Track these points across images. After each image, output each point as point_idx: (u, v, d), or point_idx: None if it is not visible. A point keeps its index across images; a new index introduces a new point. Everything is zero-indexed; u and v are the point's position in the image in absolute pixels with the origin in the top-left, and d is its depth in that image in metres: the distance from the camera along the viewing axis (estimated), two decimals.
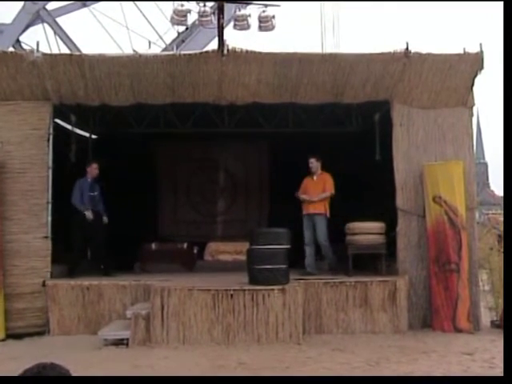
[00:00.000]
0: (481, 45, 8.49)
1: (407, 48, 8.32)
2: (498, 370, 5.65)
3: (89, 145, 11.42)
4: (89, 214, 9.33)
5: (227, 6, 10.13)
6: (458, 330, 8.09)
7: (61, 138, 9.29)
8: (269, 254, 7.81)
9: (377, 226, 9.00)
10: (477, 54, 8.47)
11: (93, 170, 9.65)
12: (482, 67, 8.54)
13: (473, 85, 8.78)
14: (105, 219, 9.67)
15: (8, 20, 19.70)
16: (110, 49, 20.97)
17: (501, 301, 7.92)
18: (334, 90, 8.77)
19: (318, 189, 9.37)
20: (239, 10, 11.72)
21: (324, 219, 9.27)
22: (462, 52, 8.51)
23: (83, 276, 8.97)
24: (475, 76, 8.64)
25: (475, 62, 8.52)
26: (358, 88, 8.74)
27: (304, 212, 9.40)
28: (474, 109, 9.04)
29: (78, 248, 9.43)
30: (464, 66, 8.59)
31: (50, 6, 20.02)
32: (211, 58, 8.36)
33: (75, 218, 9.35)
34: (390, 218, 8.84)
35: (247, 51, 8.28)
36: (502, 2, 6.33)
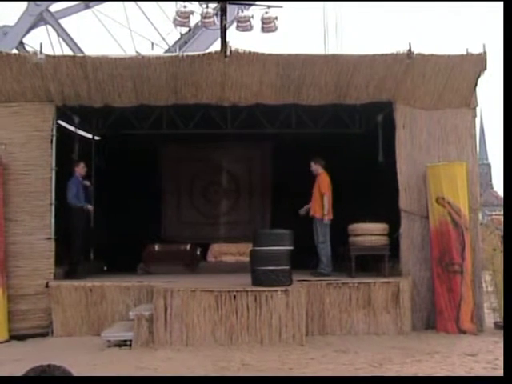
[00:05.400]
0: (484, 45, 8.49)
1: (410, 49, 8.31)
2: (502, 372, 5.63)
3: (92, 146, 11.44)
4: (90, 207, 9.57)
5: (230, 8, 10.11)
6: (462, 332, 8.08)
7: (64, 140, 9.30)
8: (272, 255, 7.80)
9: (380, 227, 8.99)
10: (480, 54, 8.47)
11: (81, 169, 9.65)
12: (485, 68, 8.53)
13: (476, 85, 8.78)
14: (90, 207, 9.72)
15: (11, 22, 19.78)
16: (112, 50, 21.09)
17: None
18: (337, 91, 8.77)
19: (316, 191, 9.37)
20: (242, 12, 11.70)
21: (319, 222, 9.23)
22: (465, 53, 8.51)
23: (88, 276, 8.98)
24: (478, 77, 8.63)
25: (478, 62, 8.51)
26: (360, 89, 8.73)
27: None
28: (478, 109, 9.05)
29: (79, 247, 9.40)
30: (467, 66, 8.58)
31: (53, 7, 20.09)
32: (214, 60, 8.36)
33: (75, 218, 9.33)
34: (393, 219, 8.83)
35: (250, 52, 8.28)
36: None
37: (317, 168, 9.48)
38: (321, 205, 9.19)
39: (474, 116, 9.02)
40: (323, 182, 9.31)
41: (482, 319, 8.47)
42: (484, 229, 9.69)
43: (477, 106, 8.99)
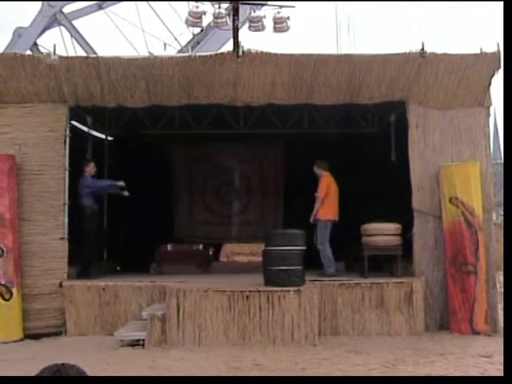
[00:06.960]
0: (498, 44, 8.41)
1: (423, 48, 8.26)
2: None
3: (105, 146, 11.49)
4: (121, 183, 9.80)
5: (242, 8, 10.12)
6: (476, 332, 8.02)
7: (77, 140, 9.35)
8: (284, 255, 7.80)
9: (392, 227, 8.95)
10: (494, 53, 8.39)
11: (91, 168, 9.71)
12: (499, 67, 8.45)
13: (490, 85, 8.71)
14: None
15: (26, 23, 19.94)
16: (125, 51, 21.14)
17: None
18: (350, 90, 8.75)
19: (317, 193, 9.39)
20: (254, 12, 11.71)
21: (320, 224, 9.23)
22: (478, 52, 8.44)
23: (101, 276, 9.03)
24: (492, 76, 8.56)
25: (492, 61, 8.44)
26: (373, 89, 8.70)
27: None
28: (491, 109, 8.98)
29: (91, 248, 9.45)
30: (481, 65, 8.52)
31: (67, 8, 20.24)
32: (226, 60, 8.37)
33: (86, 218, 9.38)
34: (406, 219, 8.79)
35: (262, 52, 8.28)
36: None
37: (319, 172, 9.52)
38: (319, 207, 9.21)
39: (488, 115, 8.95)
40: (321, 184, 9.34)
41: (496, 320, 8.39)
42: (498, 229, 9.62)
43: (490, 105, 8.92)
